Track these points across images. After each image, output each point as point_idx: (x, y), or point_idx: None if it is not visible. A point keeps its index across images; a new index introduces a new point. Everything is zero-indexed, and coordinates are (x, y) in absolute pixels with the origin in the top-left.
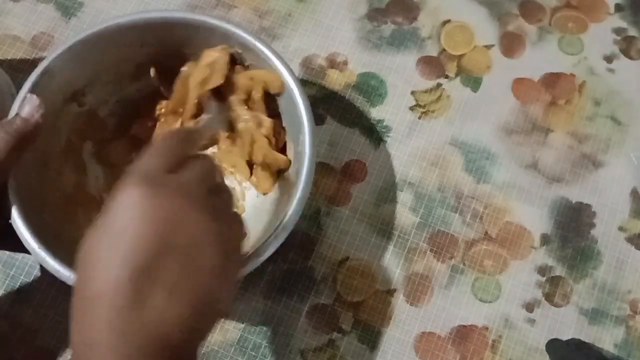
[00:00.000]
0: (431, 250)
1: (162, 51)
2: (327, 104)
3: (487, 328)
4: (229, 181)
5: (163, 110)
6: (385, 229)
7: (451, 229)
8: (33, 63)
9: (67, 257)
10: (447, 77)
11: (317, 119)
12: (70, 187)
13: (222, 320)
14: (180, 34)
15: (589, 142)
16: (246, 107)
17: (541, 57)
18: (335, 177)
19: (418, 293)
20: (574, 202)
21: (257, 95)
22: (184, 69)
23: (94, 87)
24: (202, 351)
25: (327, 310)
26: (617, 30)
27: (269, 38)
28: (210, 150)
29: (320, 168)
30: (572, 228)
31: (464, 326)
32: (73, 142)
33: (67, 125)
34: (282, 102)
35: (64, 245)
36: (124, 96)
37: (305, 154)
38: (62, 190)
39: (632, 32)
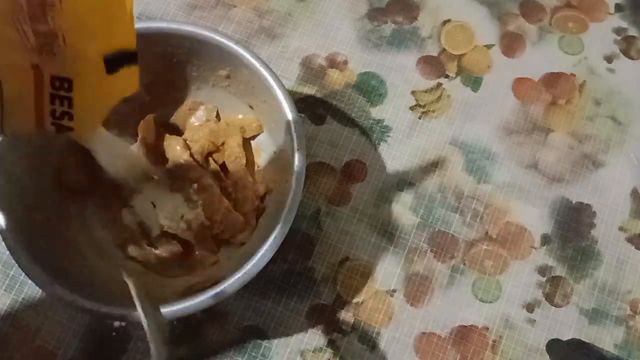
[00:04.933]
0: (431, 251)
1: (167, 58)
2: (327, 104)
3: (487, 328)
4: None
5: None
6: (385, 229)
7: (451, 229)
8: None
9: (45, 257)
10: (447, 76)
11: (317, 119)
12: (68, 183)
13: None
14: (187, 45)
15: (589, 142)
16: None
17: (541, 57)
18: (335, 177)
19: (418, 293)
20: (574, 202)
21: (235, 143)
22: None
23: None
24: (202, 351)
25: (327, 310)
26: (617, 30)
27: (268, 38)
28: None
29: (320, 168)
30: (573, 228)
31: (464, 326)
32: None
33: None
34: (278, 135)
35: (48, 245)
36: (131, 96)
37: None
38: (59, 188)
39: (632, 32)
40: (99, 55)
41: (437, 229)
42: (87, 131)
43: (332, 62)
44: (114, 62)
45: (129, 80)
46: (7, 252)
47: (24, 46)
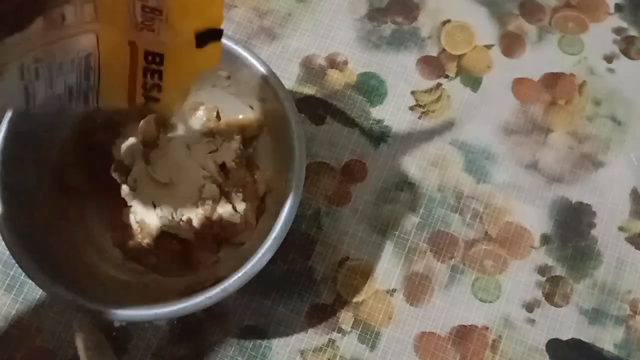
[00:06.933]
0: (431, 250)
1: None
2: (327, 104)
3: (487, 328)
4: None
5: None
6: (385, 229)
7: (451, 229)
8: None
9: (45, 257)
10: (447, 77)
11: (317, 119)
12: (68, 183)
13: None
14: None
15: (589, 142)
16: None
17: (541, 57)
18: (335, 177)
19: (418, 293)
20: (574, 202)
21: (235, 143)
22: None
23: None
24: (202, 351)
25: (327, 310)
26: (617, 30)
27: (268, 38)
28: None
29: (320, 168)
30: (572, 228)
31: (464, 326)
32: (79, 137)
33: (73, 120)
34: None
35: (49, 245)
36: None
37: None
38: (59, 188)
39: (632, 32)
40: (192, 32)
41: (437, 229)
42: (172, 102)
43: (332, 63)
44: (204, 38)
45: (212, 54)
46: (7, 252)
47: (128, 23)
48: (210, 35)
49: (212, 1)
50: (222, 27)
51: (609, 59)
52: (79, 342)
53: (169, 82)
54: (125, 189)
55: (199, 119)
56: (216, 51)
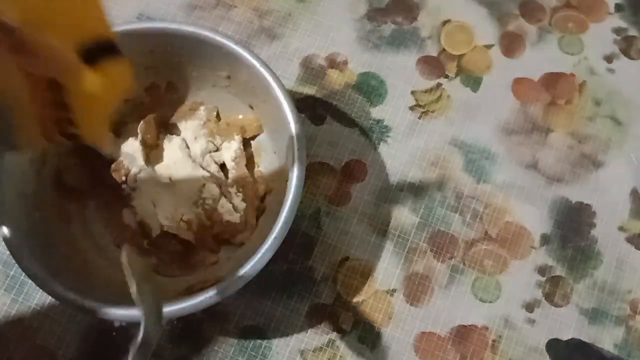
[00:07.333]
0: (431, 250)
1: (167, 58)
2: (327, 104)
3: (487, 328)
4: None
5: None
6: (385, 229)
7: (451, 229)
8: None
9: (45, 257)
10: (447, 77)
11: (317, 119)
12: (68, 183)
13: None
14: (188, 46)
15: (589, 142)
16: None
17: (541, 57)
18: (335, 177)
19: (418, 293)
20: (574, 202)
21: (235, 143)
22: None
23: None
24: (202, 351)
25: (327, 310)
26: (617, 30)
27: (268, 38)
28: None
29: (320, 168)
30: (572, 228)
31: (464, 326)
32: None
33: None
34: (277, 135)
35: (49, 245)
36: (131, 97)
37: (290, 192)
38: (59, 188)
39: (632, 32)
40: (75, 48)
41: (437, 229)
42: (93, 137)
43: (332, 63)
44: (93, 53)
45: (118, 76)
46: (7, 252)
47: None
48: (101, 49)
49: (85, 5)
50: (112, 37)
51: (609, 59)
52: (127, 269)
53: (81, 115)
54: (125, 189)
55: (199, 119)
56: (121, 71)
